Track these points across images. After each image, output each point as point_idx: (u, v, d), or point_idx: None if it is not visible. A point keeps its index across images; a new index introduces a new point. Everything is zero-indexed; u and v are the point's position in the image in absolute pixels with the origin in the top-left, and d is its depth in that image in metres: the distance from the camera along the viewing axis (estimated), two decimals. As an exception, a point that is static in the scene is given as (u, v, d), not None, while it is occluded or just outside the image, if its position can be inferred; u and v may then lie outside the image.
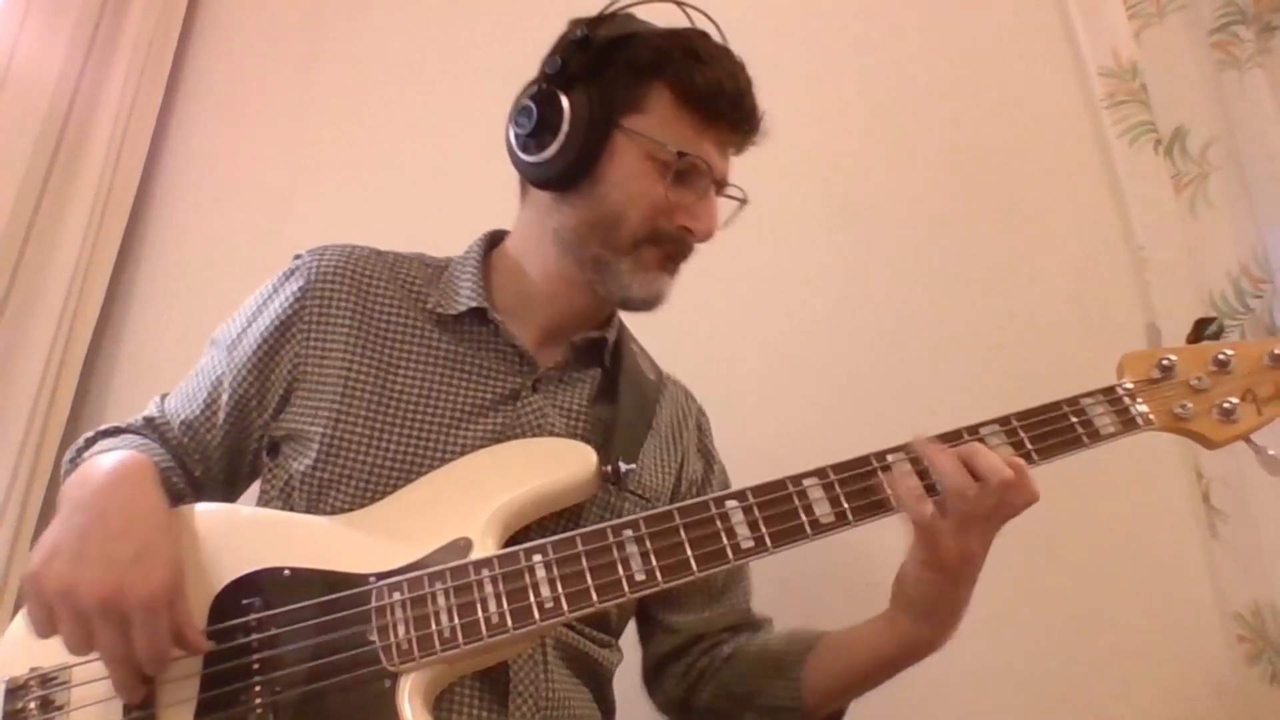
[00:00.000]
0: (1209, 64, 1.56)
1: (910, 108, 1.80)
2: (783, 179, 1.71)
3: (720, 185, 1.13)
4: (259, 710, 0.83)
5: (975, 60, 1.78)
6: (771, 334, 1.74)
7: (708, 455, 1.26)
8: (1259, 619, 1.37)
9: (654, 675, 1.20)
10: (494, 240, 1.21)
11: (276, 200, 2.22)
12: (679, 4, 1.13)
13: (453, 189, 2.01)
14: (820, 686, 1.06)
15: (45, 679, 0.86)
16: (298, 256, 1.15)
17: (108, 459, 0.96)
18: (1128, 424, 0.96)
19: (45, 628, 0.83)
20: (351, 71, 2.29)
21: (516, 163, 1.11)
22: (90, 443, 1.08)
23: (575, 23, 1.09)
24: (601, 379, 1.16)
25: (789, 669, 1.08)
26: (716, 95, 1.07)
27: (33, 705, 0.84)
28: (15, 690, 0.85)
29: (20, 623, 0.91)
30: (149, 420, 1.13)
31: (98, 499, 0.90)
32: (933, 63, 1.81)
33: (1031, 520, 1.46)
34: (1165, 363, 0.98)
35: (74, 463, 1.06)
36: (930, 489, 0.90)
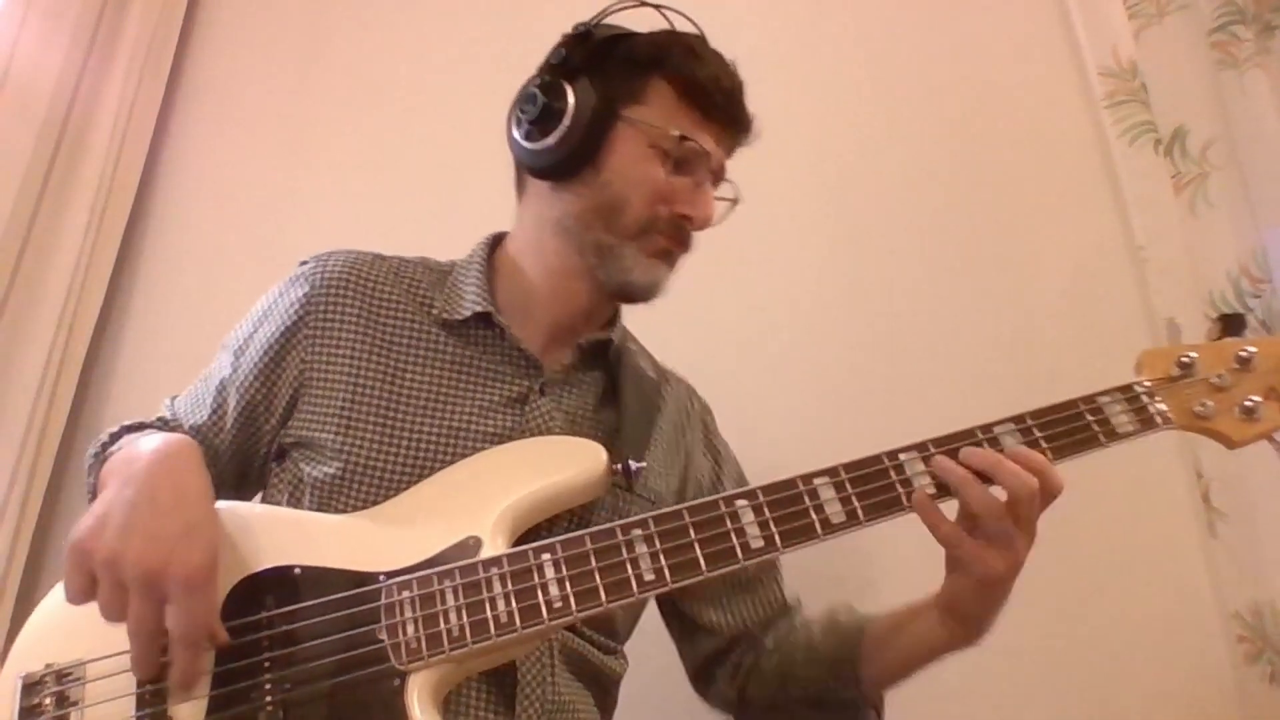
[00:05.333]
0: (1208, 64, 1.56)
1: (910, 107, 1.80)
2: (782, 178, 1.71)
3: (717, 176, 1.15)
4: (269, 707, 0.83)
5: (975, 60, 1.79)
6: (772, 333, 1.74)
7: (715, 452, 1.27)
8: (1259, 619, 1.37)
9: (701, 677, 1.21)
10: (497, 242, 1.21)
11: (276, 200, 2.22)
12: (673, 10, 1.15)
13: (452, 189, 2.01)
14: (874, 678, 1.08)
15: (61, 675, 0.86)
16: (304, 263, 1.15)
17: (158, 438, 0.96)
18: (1146, 423, 0.93)
19: (83, 595, 0.83)
20: (351, 71, 2.29)
21: (518, 151, 1.12)
22: (115, 437, 1.08)
23: (576, 25, 1.12)
24: (606, 381, 1.16)
25: (845, 666, 1.09)
26: (714, 90, 1.11)
27: (48, 701, 0.85)
28: (31, 685, 0.85)
29: (36, 620, 0.91)
30: (164, 422, 1.13)
31: (148, 474, 0.90)
32: (932, 62, 1.81)
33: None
34: (1185, 360, 0.95)
35: (99, 456, 1.06)
36: (943, 489, 0.90)
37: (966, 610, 0.96)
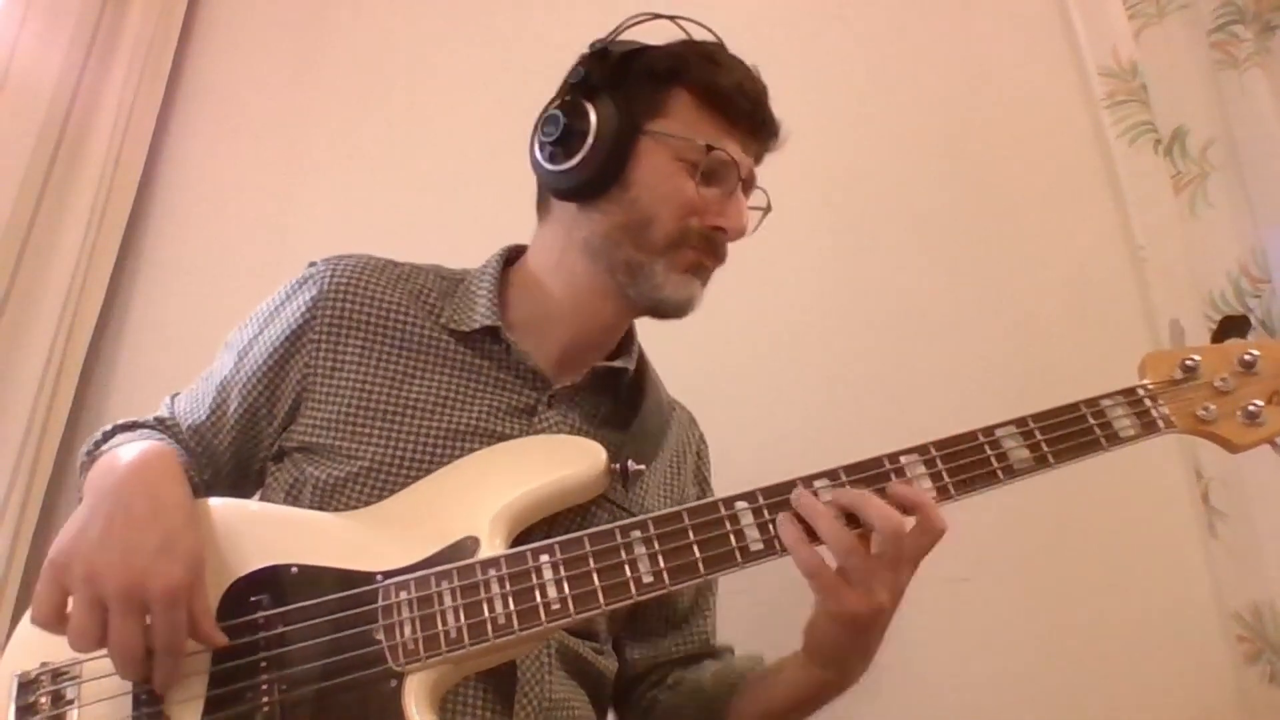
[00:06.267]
0: (1208, 64, 1.56)
1: (910, 107, 1.80)
2: (782, 178, 1.71)
3: (747, 184, 1.13)
4: (265, 708, 0.83)
5: (975, 60, 1.79)
6: (772, 333, 1.74)
7: (702, 482, 1.26)
8: (1258, 619, 1.37)
9: (619, 701, 1.20)
10: (511, 256, 1.19)
11: (276, 200, 2.22)
12: (690, 21, 1.13)
13: (452, 189, 2.01)
14: None
15: (56, 673, 0.85)
16: (312, 264, 1.14)
17: (134, 448, 0.96)
18: (1148, 426, 0.92)
19: (53, 616, 0.82)
20: (351, 72, 2.29)
21: (542, 174, 1.10)
22: (108, 436, 1.08)
23: (593, 43, 1.10)
24: (613, 408, 1.15)
25: (715, 706, 1.08)
26: (738, 96, 1.08)
27: (44, 700, 0.84)
28: (27, 685, 0.85)
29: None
30: (160, 420, 1.12)
31: (124, 486, 0.90)
32: (933, 62, 1.81)
33: (1031, 520, 1.48)
34: (1189, 363, 0.94)
35: (90, 455, 1.06)
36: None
37: (823, 648, 0.94)
